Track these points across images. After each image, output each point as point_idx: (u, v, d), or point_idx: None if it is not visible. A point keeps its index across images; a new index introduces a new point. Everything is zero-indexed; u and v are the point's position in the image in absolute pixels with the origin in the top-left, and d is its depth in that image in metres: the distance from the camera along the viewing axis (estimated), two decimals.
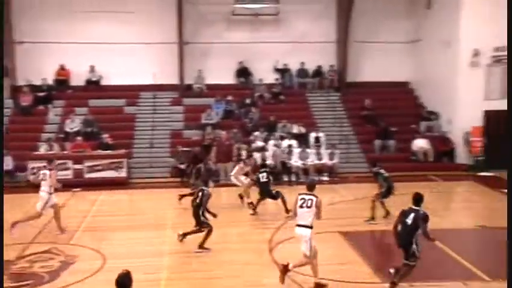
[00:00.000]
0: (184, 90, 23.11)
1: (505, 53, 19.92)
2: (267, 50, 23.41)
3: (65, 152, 19.20)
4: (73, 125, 20.85)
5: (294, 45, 23.49)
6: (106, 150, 19.26)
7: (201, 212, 11.65)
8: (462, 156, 20.61)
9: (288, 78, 23.97)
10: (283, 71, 23.94)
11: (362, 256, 11.27)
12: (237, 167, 16.41)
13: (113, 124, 21.43)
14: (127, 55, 22.65)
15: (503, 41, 19.77)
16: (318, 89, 23.77)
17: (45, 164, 13.82)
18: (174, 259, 11.36)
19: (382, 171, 13.85)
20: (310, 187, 10.03)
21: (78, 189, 17.40)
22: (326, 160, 19.55)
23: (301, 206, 9.77)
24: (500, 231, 11.80)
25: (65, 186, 16.52)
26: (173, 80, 22.99)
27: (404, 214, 9.56)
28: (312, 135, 20.65)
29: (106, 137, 19.91)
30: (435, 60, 21.82)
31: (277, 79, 23.75)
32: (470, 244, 12.58)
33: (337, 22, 23.86)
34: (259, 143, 19.99)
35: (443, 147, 20.70)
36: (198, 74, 23.34)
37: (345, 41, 23.34)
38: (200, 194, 11.77)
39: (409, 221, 9.42)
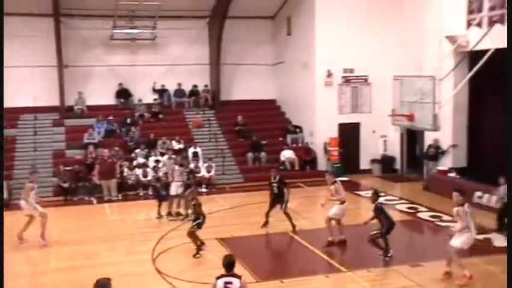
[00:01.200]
0: (65, 111, 22.12)
1: (352, 74, 21.50)
2: (145, 72, 23.14)
3: None
4: None
5: (170, 68, 23.48)
6: None
7: None
8: (323, 163, 21.53)
9: (166, 98, 23.82)
10: (161, 92, 23.78)
11: (238, 259, 11.46)
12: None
13: None
14: (6, 78, 21.17)
15: (350, 64, 21.37)
16: (195, 107, 23.87)
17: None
18: (59, 276, 10.86)
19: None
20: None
21: None
22: (203, 173, 19.68)
23: None
24: (353, 229, 12.69)
25: None
26: (54, 102, 21.89)
27: (381, 209, 11.27)
28: (191, 150, 20.69)
29: None
30: (296, 80, 22.79)
31: (156, 99, 23.53)
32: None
33: (209, 47, 24.18)
34: (141, 160, 19.69)
35: (307, 157, 21.55)
36: (78, 96, 22.44)
37: (217, 63, 23.71)
38: None
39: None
